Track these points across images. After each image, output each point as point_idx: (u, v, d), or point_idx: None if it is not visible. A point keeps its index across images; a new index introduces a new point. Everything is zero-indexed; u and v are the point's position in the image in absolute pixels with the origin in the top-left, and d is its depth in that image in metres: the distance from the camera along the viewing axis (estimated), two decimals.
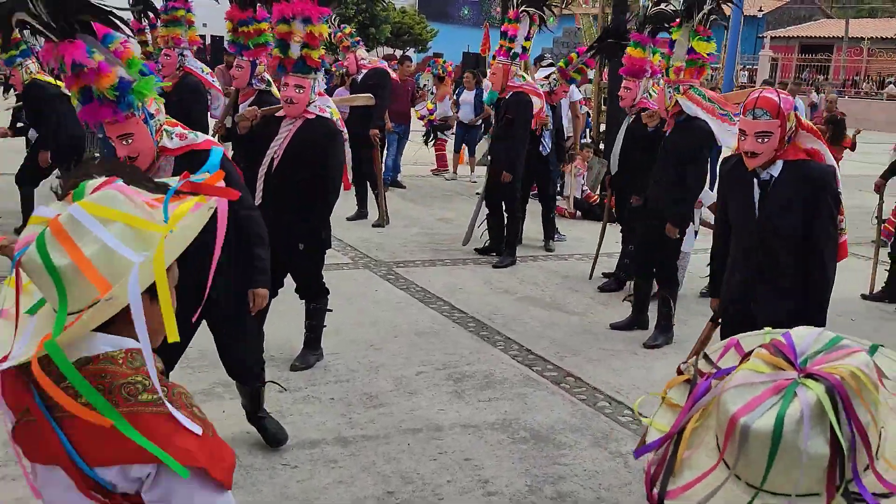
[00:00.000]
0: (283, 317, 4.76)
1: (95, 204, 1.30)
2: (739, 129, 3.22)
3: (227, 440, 3.83)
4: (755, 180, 3.24)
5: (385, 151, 9.89)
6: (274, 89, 5.95)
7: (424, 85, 12.71)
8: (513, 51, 7.04)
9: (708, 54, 5.21)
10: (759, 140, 3.12)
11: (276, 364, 4.61)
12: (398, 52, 25.49)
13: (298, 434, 3.81)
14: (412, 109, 11.84)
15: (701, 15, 5.13)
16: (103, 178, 1.36)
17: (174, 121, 3.16)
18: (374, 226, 8.49)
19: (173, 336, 1.29)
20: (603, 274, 6.89)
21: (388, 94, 8.78)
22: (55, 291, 1.27)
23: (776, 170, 3.20)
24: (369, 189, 8.75)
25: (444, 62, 14.40)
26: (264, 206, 4.31)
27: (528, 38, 7.08)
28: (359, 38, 9.52)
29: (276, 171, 4.32)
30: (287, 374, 4.49)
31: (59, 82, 7.21)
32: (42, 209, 1.34)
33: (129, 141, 2.90)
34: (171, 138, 3.03)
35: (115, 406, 1.25)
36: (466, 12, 43.82)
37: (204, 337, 4.15)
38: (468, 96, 12.04)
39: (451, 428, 4.02)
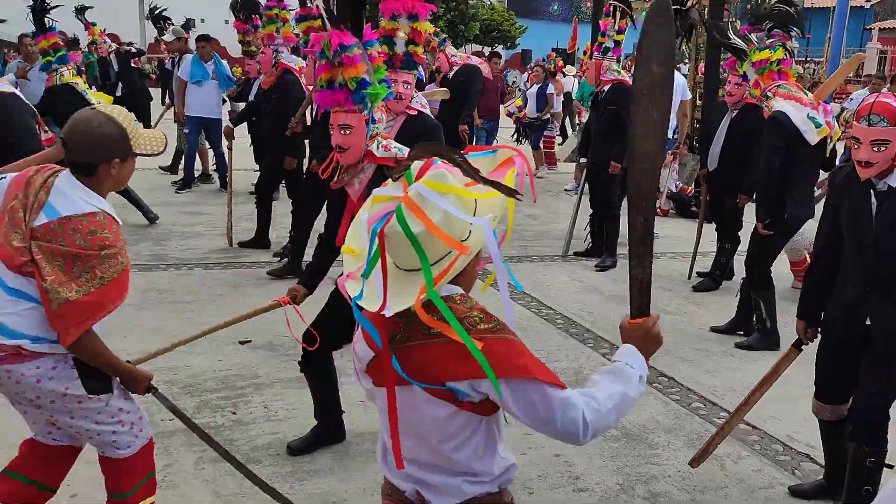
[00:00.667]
0: None
1: (433, 181, 1.60)
2: (852, 137, 3.04)
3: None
4: (871, 191, 3.06)
5: None
6: None
7: (514, 82, 12.64)
8: (604, 45, 7.00)
9: (779, 60, 5.15)
10: (875, 148, 2.94)
11: None
12: (486, 50, 25.51)
13: None
14: (501, 106, 11.83)
15: (742, 40, 5.23)
16: (423, 161, 1.66)
17: (388, 135, 3.48)
18: None
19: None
20: (697, 273, 6.71)
21: (477, 91, 8.79)
22: (414, 252, 1.56)
23: (894, 179, 3.02)
24: None
25: (556, 58, 14.32)
26: None
27: (620, 32, 6.99)
28: (445, 36, 9.56)
29: None
30: None
31: (90, 89, 7.48)
32: (383, 189, 1.67)
33: (347, 132, 3.20)
34: (378, 148, 3.28)
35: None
36: (556, 8, 43.41)
37: (299, 328, 4.27)
38: (533, 91, 11.92)
39: None
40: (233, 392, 4.12)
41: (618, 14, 6.99)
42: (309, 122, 6.37)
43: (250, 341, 4.89)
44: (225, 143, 7.43)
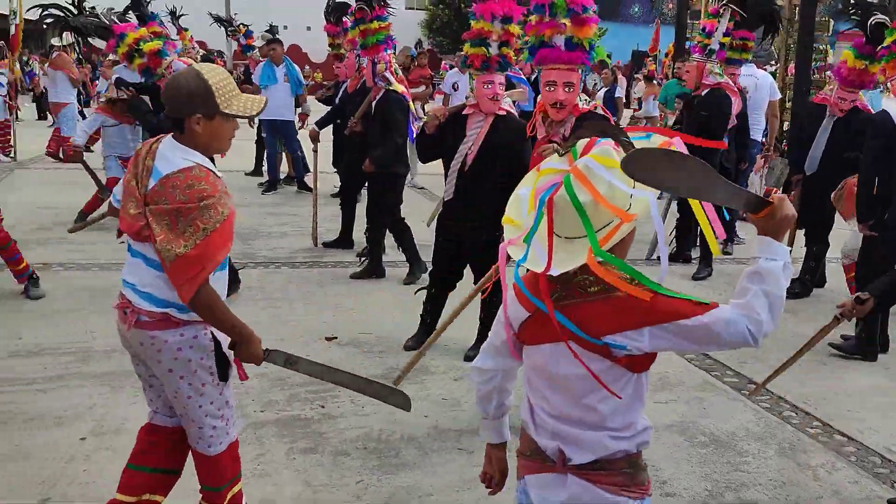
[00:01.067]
0: None
1: (600, 156, 1.72)
2: None
3: (403, 423, 3.96)
4: None
5: None
6: (397, 86, 6.08)
7: (595, 84, 12.52)
8: (709, 47, 6.73)
9: None
10: None
11: (451, 354, 4.76)
12: None
13: (473, 421, 3.90)
14: None
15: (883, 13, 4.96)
16: (588, 139, 1.78)
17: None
18: None
19: (715, 249, 1.89)
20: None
21: None
22: (578, 219, 1.69)
23: None
24: None
25: (650, 61, 14.16)
26: (456, 200, 4.48)
27: (726, 35, 6.72)
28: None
29: (470, 167, 4.44)
30: (461, 363, 4.62)
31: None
32: (550, 163, 1.82)
33: (570, 90, 3.63)
34: (582, 100, 3.80)
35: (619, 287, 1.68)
36: (636, 10, 42.70)
37: (376, 324, 4.36)
38: (600, 94, 11.71)
39: None
40: (321, 386, 4.22)
41: (727, 15, 6.72)
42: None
43: (336, 338, 5.01)
44: (311, 145, 7.61)
